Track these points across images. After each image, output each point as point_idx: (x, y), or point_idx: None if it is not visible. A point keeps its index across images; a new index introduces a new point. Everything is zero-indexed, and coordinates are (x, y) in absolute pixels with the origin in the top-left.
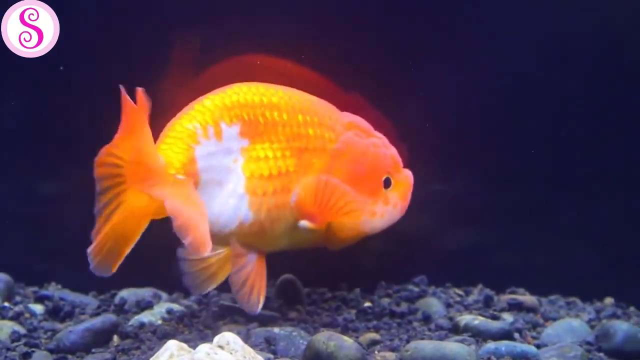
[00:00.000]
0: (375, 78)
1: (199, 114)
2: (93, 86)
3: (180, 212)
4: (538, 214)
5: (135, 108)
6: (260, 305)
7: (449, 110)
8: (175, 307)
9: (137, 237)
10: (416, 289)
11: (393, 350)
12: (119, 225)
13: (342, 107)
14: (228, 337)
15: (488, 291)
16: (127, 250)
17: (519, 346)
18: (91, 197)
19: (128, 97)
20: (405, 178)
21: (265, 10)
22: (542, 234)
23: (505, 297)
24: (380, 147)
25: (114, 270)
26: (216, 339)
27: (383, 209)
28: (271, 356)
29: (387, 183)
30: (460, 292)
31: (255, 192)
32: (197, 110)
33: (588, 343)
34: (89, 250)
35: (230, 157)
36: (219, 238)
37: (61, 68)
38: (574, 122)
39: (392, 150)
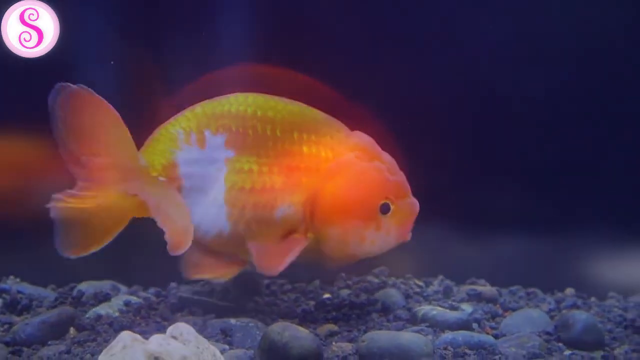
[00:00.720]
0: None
1: (185, 120)
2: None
3: (158, 212)
4: (500, 206)
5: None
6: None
7: (416, 105)
8: (133, 299)
9: (114, 235)
10: (376, 280)
11: (350, 341)
12: (96, 219)
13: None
14: (181, 327)
15: (448, 282)
16: (100, 245)
17: (476, 336)
18: (50, 192)
19: (101, 98)
20: (409, 206)
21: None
22: (504, 225)
23: (465, 288)
24: (383, 171)
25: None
26: (169, 329)
27: (374, 234)
28: (226, 347)
29: (385, 209)
30: (420, 283)
31: (234, 204)
32: (184, 116)
33: (547, 333)
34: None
35: (214, 166)
36: (203, 245)
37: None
38: (538, 117)
39: (398, 177)
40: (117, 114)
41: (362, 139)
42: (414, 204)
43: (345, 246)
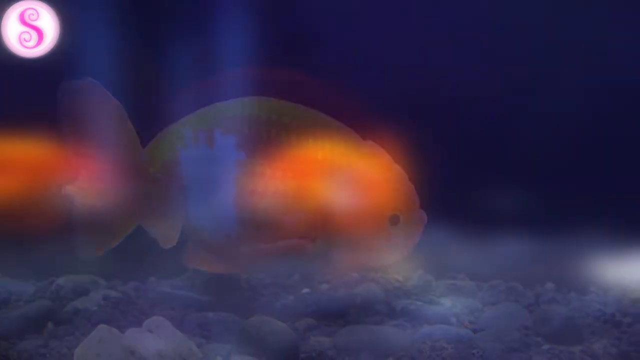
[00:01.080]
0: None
1: (195, 119)
2: None
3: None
4: (480, 201)
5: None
6: None
7: (392, 100)
8: (112, 293)
9: (132, 227)
10: (355, 275)
11: (328, 335)
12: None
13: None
14: (158, 321)
15: (428, 277)
16: (118, 240)
17: (455, 330)
18: (42, 190)
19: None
20: (417, 218)
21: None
22: (484, 220)
23: (445, 283)
24: (394, 182)
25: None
26: (145, 323)
27: (384, 245)
28: (203, 341)
29: (395, 220)
30: (399, 277)
31: (244, 207)
32: (195, 116)
33: (526, 327)
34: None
35: (223, 167)
36: (208, 245)
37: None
38: (516, 114)
39: (408, 188)
40: (123, 110)
41: (374, 149)
42: (422, 216)
43: (354, 256)
